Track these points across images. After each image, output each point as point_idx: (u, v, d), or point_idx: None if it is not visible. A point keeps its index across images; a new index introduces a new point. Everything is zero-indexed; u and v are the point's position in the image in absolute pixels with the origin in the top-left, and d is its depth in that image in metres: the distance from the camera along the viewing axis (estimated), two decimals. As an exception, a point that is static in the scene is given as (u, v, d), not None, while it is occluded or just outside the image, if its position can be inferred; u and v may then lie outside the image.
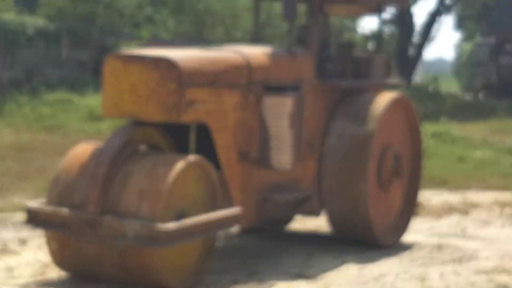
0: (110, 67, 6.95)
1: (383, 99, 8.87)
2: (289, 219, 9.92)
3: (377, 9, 9.86)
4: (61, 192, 6.65)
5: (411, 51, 43.03)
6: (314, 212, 8.92)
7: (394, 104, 9.06)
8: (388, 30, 44.53)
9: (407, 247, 9.25)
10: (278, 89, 7.89)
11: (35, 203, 6.83)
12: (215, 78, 7.23)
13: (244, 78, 7.59)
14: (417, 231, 10.19)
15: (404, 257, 8.79)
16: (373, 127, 8.57)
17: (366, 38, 41.37)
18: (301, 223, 10.15)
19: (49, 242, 6.81)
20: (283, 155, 7.75)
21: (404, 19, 42.15)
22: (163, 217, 6.28)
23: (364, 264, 8.39)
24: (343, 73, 9.24)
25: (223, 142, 7.31)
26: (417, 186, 9.88)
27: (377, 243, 8.87)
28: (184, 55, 7.20)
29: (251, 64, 7.67)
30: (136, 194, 6.38)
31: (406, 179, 9.62)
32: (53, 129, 19.18)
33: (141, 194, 6.36)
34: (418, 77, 47.49)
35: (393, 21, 43.75)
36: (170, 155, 6.94)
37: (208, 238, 7.02)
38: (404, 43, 42.22)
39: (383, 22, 44.82)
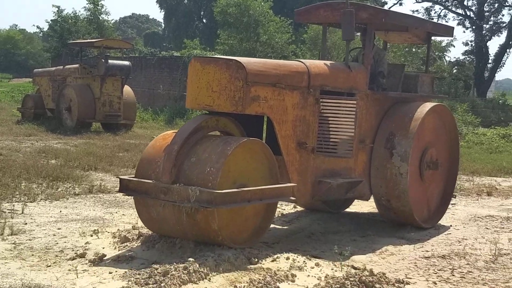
0: (192, 68, 6.36)
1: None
2: (347, 204, 9.19)
3: (427, 38, 8.97)
4: (146, 167, 6.17)
5: (486, 74, 41.62)
6: (364, 197, 8.05)
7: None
8: (469, 59, 43.18)
9: (483, 218, 8.84)
10: (335, 94, 7.21)
11: (126, 176, 6.44)
12: (278, 80, 6.56)
13: (304, 83, 6.88)
14: (490, 207, 9.76)
15: (481, 226, 8.38)
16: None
17: (452, 64, 40.15)
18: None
19: (136, 206, 6.34)
20: (346, 146, 7.07)
21: (481, 51, 40.75)
22: (221, 184, 5.73)
23: (450, 230, 8.08)
24: (396, 87, 8.61)
25: (283, 133, 6.67)
26: (454, 180, 8.90)
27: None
28: (252, 60, 6.58)
29: (311, 71, 6.96)
30: (201, 166, 5.83)
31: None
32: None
33: (205, 166, 5.81)
34: (490, 93, 45.78)
35: (473, 52, 42.42)
36: (232, 138, 6.26)
37: (268, 206, 6.41)
38: (481, 68, 40.92)
39: (466, 53, 43.60)
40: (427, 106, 8.09)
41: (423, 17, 10.30)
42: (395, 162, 7.68)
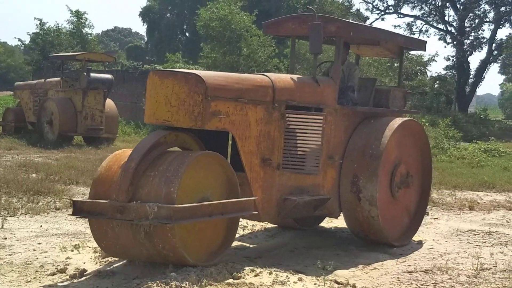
0: (150, 81, 6.08)
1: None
2: (320, 219, 8.97)
3: (399, 52, 8.80)
4: (100, 187, 5.83)
5: (467, 88, 42.08)
6: (334, 214, 7.82)
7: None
8: (450, 73, 43.65)
9: (465, 233, 8.88)
10: (302, 109, 6.98)
11: (79, 198, 6.16)
12: (240, 94, 6.28)
13: (269, 97, 6.61)
14: (472, 222, 9.80)
15: (463, 240, 8.41)
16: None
17: (434, 79, 40.50)
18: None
19: (92, 229, 5.97)
20: (312, 163, 6.94)
21: (462, 66, 41.22)
22: (180, 199, 5.45)
23: (432, 244, 8.11)
24: (367, 102, 8.33)
25: (246, 149, 6.39)
26: (427, 195, 8.68)
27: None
28: (212, 74, 6.34)
29: (276, 86, 6.68)
30: (158, 182, 5.54)
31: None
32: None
33: (162, 181, 5.52)
34: (472, 108, 46.27)
35: (455, 67, 42.91)
36: (189, 152, 6.00)
37: (229, 222, 6.14)
38: (462, 83, 41.36)
39: (447, 68, 44.01)
40: (389, 132, 7.68)
41: (394, 31, 9.97)
42: (365, 207, 7.47)
